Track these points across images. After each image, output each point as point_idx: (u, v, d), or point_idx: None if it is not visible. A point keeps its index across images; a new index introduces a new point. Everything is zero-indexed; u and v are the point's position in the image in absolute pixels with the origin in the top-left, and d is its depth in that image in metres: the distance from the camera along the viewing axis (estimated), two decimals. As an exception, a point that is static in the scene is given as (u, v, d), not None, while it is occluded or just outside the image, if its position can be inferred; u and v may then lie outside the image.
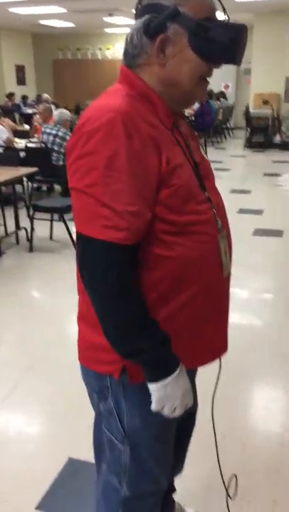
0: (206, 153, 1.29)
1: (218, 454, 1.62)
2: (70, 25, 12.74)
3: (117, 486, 1.28)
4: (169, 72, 1.06)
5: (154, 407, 1.09)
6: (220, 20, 1.05)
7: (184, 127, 1.17)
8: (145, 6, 1.06)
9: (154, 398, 1.08)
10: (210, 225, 1.12)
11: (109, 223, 0.98)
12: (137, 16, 1.07)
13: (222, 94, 12.53)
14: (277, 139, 10.77)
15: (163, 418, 1.13)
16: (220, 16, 1.09)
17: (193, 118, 11.14)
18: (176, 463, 1.58)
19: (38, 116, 7.36)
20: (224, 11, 1.10)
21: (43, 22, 12.30)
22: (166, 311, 1.10)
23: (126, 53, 1.10)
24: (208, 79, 1.11)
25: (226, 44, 1.02)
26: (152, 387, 1.07)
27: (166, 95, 1.09)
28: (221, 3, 1.10)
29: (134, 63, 1.09)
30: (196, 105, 11.64)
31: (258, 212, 5.81)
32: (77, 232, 1.04)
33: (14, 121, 10.46)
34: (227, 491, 1.63)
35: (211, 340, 1.21)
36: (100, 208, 0.98)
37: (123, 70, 1.12)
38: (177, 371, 1.07)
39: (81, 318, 1.19)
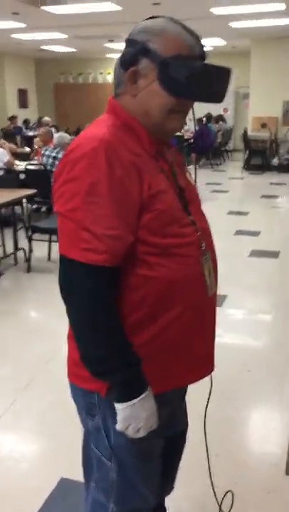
0: (195, 178, 1.35)
1: (210, 473, 1.64)
2: (72, 50, 13.02)
3: (105, 503, 1.29)
4: (140, 103, 1.13)
5: (118, 426, 1.13)
6: (186, 60, 1.09)
7: (169, 154, 1.23)
8: (126, 40, 1.15)
9: (119, 417, 1.12)
10: (193, 247, 1.17)
11: (88, 246, 1.03)
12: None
13: (221, 118, 12.72)
14: (275, 161, 10.91)
15: (149, 435, 1.16)
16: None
17: (192, 141, 11.31)
18: (167, 482, 1.59)
19: (38, 138, 7.47)
20: (202, 51, 1.14)
21: (45, 47, 12.58)
22: (151, 331, 1.14)
23: (113, 84, 1.18)
24: (189, 112, 1.17)
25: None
26: (118, 406, 1.11)
27: (144, 124, 1.15)
28: (200, 43, 1.14)
29: (116, 93, 1.17)
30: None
31: (255, 233, 5.86)
32: (60, 255, 1.09)
33: (16, 143, 10.61)
34: (220, 508, 1.64)
35: (196, 359, 1.24)
36: (81, 232, 1.03)
37: (110, 101, 1.19)
38: (144, 394, 1.10)
39: (70, 336, 1.23)
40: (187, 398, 1.58)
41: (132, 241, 1.08)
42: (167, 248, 1.11)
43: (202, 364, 1.27)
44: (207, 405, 1.50)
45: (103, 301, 1.06)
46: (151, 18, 1.15)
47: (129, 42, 1.13)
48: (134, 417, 1.11)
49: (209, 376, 1.39)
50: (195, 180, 1.37)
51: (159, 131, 1.17)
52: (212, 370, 1.32)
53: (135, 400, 1.09)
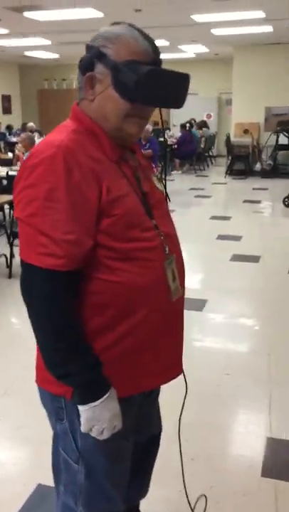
0: (164, 183, 1.37)
1: (183, 476, 1.65)
2: (55, 56, 13.03)
3: (73, 507, 1.29)
4: (97, 107, 1.15)
5: (82, 428, 1.14)
6: (136, 64, 1.10)
7: (132, 159, 1.24)
8: (85, 45, 1.17)
9: (82, 419, 1.13)
10: (156, 251, 1.18)
11: (46, 251, 1.04)
12: None
13: (204, 124, 12.81)
14: (258, 166, 11.02)
15: (115, 437, 1.17)
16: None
17: (175, 146, 11.38)
18: (141, 485, 1.60)
19: (20, 144, 7.46)
20: (155, 57, 1.15)
21: (28, 53, 12.57)
22: (114, 335, 1.14)
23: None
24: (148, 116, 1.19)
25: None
26: (81, 408, 1.12)
27: (105, 129, 1.16)
28: (155, 50, 1.15)
29: (79, 98, 1.19)
30: (179, 134, 11.90)
31: (237, 238, 5.91)
32: (20, 259, 1.10)
33: (-1, 149, 10.57)
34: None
35: (162, 362, 1.24)
36: (39, 236, 1.05)
37: (73, 107, 1.21)
38: (106, 395, 1.11)
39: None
40: (164, 402, 1.59)
41: (91, 245, 1.09)
42: (129, 252, 1.12)
43: (169, 367, 1.28)
44: (182, 409, 1.51)
45: (61, 305, 1.07)
46: (113, 24, 1.17)
47: (87, 47, 1.15)
48: (96, 418, 1.12)
49: (184, 382, 1.41)
50: (165, 187, 1.39)
51: (119, 135, 1.18)
52: (179, 373, 1.33)
53: (97, 402, 1.10)
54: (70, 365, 1.09)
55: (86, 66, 1.14)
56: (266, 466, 2.18)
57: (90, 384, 1.10)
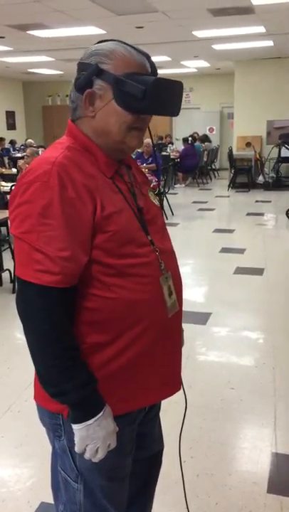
0: (160, 198, 1.36)
1: (185, 493, 1.62)
2: (59, 72, 13.19)
3: (74, 526, 1.28)
4: (99, 122, 1.16)
5: (76, 448, 1.12)
6: (139, 75, 1.12)
7: (127, 175, 1.24)
8: (78, 64, 1.17)
9: (76, 439, 1.11)
10: (151, 267, 1.17)
11: (42, 268, 1.04)
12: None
13: (205, 137, 12.88)
14: (261, 179, 11.04)
15: (114, 456, 1.15)
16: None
17: (178, 160, 11.44)
18: (144, 504, 1.57)
19: (23, 160, 7.51)
20: (151, 67, 1.18)
21: (32, 70, 12.73)
22: (109, 352, 1.14)
23: (70, 108, 1.20)
24: (145, 127, 1.20)
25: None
26: (74, 427, 1.11)
27: (103, 144, 1.17)
28: (149, 59, 1.18)
29: (74, 116, 1.20)
30: (181, 147, 11.97)
31: (240, 251, 5.90)
32: (16, 276, 1.11)
33: (3, 165, 10.65)
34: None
35: (159, 378, 1.23)
36: (34, 253, 1.05)
37: (68, 124, 1.22)
38: (100, 413, 1.10)
39: None
40: (167, 418, 1.57)
41: (86, 262, 1.09)
42: (123, 268, 1.12)
43: (166, 383, 1.27)
44: (182, 424, 1.50)
45: (56, 322, 1.07)
46: (99, 42, 1.18)
47: (82, 65, 1.16)
48: (90, 437, 1.10)
49: (184, 397, 1.40)
50: (161, 202, 1.38)
51: (120, 149, 1.19)
52: (178, 388, 1.31)
53: (91, 420, 1.09)
54: (64, 382, 1.07)
55: (84, 84, 1.14)
56: (272, 482, 2.15)
57: (84, 402, 1.09)
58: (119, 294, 1.12)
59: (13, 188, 6.15)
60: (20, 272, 1.08)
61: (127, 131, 1.15)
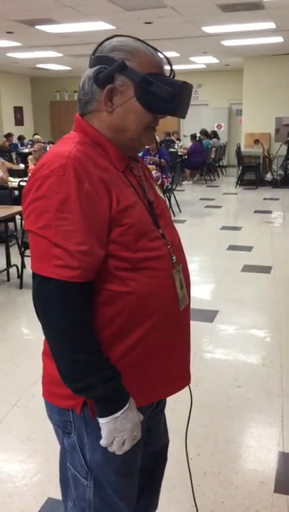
0: (163, 193, 1.37)
1: (193, 491, 1.62)
2: (67, 68, 13.17)
3: (83, 523, 1.28)
4: (116, 119, 1.15)
5: (103, 441, 1.12)
6: (164, 77, 1.13)
7: (136, 169, 1.24)
8: (97, 57, 1.15)
9: (103, 432, 1.11)
10: (164, 260, 1.17)
11: (61, 263, 1.03)
12: (90, 65, 1.16)
13: (214, 134, 12.82)
14: (269, 176, 10.99)
15: (125, 452, 1.15)
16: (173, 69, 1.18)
17: (186, 157, 11.41)
18: (150, 500, 1.57)
19: (31, 156, 7.52)
20: (171, 69, 1.19)
21: (40, 66, 12.72)
22: (123, 346, 1.13)
23: (79, 100, 1.18)
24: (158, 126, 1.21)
25: (165, 98, 1.10)
26: (101, 421, 1.10)
27: (116, 140, 1.17)
28: (168, 61, 1.19)
29: (86, 109, 1.18)
30: (189, 144, 11.93)
31: (248, 248, 5.88)
32: (32, 272, 1.10)
33: (11, 160, 10.67)
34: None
35: (170, 372, 1.23)
36: (52, 248, 1.04)
37: (77, 119, 1.20)
38: (127, 405, 1.10)
39: (45, 352, 1.23)
40: (173, 416, 1.57)
41: (103, 256, 1.08)
42: (138, 262, 1.12)
43: (177, 378, 1.27)
44: (188, 421, 1.49)
45: (77, 316, 1.06)
46: (113, 36, 1.16)
47: (102, 59, 1.13)
48: (118, 429, 1.10)
49: (190, 394, 1.39)
50: (168, 198, 1.39)
51: (132, 146, 1.19)
52: (188, 383, 1.31)
53: (118, 413, 1.09)
54: (91, 377, 1.07)
55: (106, 78, 1.12)
56: (279, 481, 2.15)
57: (111, 395, 1.08)
58: (134, 288, 1.12)
59: (21, 183, 6.18)
60: (39, 268, 1.07)
61: (143, 129, 1.16)
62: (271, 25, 7.62)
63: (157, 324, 1.16)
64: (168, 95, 1.10)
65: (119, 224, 1.09)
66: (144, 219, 1.15)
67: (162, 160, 7.31)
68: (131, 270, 1.12)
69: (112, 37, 1.16)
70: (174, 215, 7.65)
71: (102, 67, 1.12)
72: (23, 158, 10.60)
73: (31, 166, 7.19)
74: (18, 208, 5.10)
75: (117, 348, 1.13)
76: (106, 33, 7.82)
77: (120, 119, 1.14)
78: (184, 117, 1.19)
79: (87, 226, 1.05)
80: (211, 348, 3.43)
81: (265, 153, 11.02)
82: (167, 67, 1.18)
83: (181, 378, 1.29)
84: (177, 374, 1.27)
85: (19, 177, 6.93)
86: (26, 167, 8.00)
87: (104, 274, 1.10)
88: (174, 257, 1.20)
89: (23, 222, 6.14)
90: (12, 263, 4.98)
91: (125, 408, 1.10)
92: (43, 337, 1.13)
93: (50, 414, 1.26)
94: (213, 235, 6.70)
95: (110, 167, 1.14)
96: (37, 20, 7.16)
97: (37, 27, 7.57)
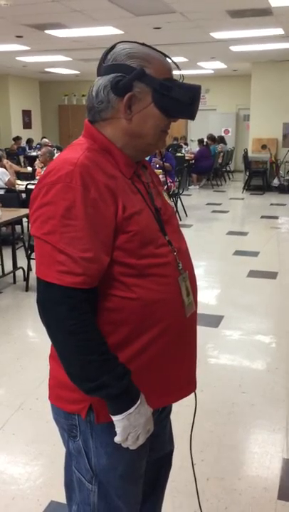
0: (170, 199, 1.37)
1: (198, 497, 1.62)
2: (76, 72, 13.24)
3: (86, 527, 1.28)
4: (135, 126, 1.15)
5: (118, 438, 1.12)
6: (180, 82, 1.16)
7: (145, 176, 1.25)
8: (111, 65, 1.14)
9: (118, 429, 1.12)
10: (170, 267, 1.18)
11: (64, 269, 1.04)
12: (100, 73, 1.16)
13: (220, 139, 12.82)
14: (276, 182, 10.97)
15: (130, 457, 1.15)
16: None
17: (193, 161, 11.42)
18: (154, 506, 1.57)
19: (39, 160, 7.56)
20: (182, 75, 1.22)
21: (49, 70, 12.80)
22: (129, 352, 1.14)
23: (91, 108, 1.18)
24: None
25: (186, 102, 1.13)
26: (115, 418, 1.11)
27: (130, 145, 1.17)
28: (177, 66, 1.22)
29: (99, 117, 1.18)
30: (196, 149, 11.94)
31: (254, 254, 5.87)
32: (36, 277, 1.10)
33: (19, 163, 10.73)
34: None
35: (176, 379, 1.24)
36: (57, 254, 1.05)
37: (86, 125, 1.21)
38: (139, 401, 1.11)
39: (52, 356, 1.23)
40: (178, 421, 1.57)
41: (108, 262, 1.09)
42: (144, 269, 1.13)
43: (183, 384, 1.27)
44: (192, 426, 1.49)
45: (82, 319, 1.07)
46: (115, 45, 1.17)
47: (118, 67, 1.12)
48: (132, 425, 1.11)
49: (194, 400, 1.40)
50: (174, 202, 1.39)
51: (148, 150, 1.21)
52: (194, 389, 1.32)
53: (131, 409, 1.10)
54: (104, 376, 1.07)
55: (126, 87, 1.12)
56: (283, 488, 2.14)
57: (124, 393, 1.09)
58: (140, 294, 1.12)
59: (29, 186, 6.20)
60: (43, 273, 1.08)
61: (160, 134, 1.18)
62: (279, 31, 7.63)
63: (163, 331, 1.16)
64: (189, 99, 1.12)
65: (125, 231, 1.10)
66: (150, 226, 1.16)
67: (167, 164, 7.33)
68: (136, 276, 1.12)
69: (115, 45, 1.16)
70: (181, 220, 7.64)
71: (121, 76, 1.12)
72: (31, 161, 10.65)
73: (38, 170, 7.23)
74: (25, 211, 5.12)
75: (123, 354, 1.13)
76: (115, 37, 7.86)
77: (139, 126, 1.15)
78: (194, 119, 1.20)
79: (92, 233, 1.06)
80: (216, 353, 3.42)
81: (273, 158, 11.01)
82: (174, 72, 1.20)
83: (187, 385, 1.29)
84: (183, 381, 1.27)
85: (26, 180, 6.96)
86: (34, 170, 8.04)
87: (110, 279, 1.11)
88: (180, 264, 1.20)
89: (29, 225, 6.13)
90: (18, 266, 5.00)
91: (138, 403, 1.11)
92: (48, 340, 1.14)
93: (57, 418, 1.27)
94: (219, 239, 6.70)
95: (118, 174, 1.15)
96: (46, 25, 7.21)
97: (46, 31, 7.62)
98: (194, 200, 10.01)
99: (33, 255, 4.76)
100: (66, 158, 1.11)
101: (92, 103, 1.17)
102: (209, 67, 12.16)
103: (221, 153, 12.25)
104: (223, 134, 13.81)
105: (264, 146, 11.14)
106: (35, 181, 6.61)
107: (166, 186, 1.39)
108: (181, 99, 1.12)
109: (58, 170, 1.08)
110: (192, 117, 1.17)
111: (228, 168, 13.27)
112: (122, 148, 1.17)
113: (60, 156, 1.16)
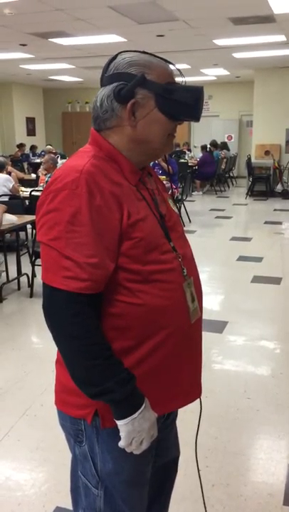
0: (176, 205, 1.39)
1: (204, 504, 1.62)
2: (79, 80, 13.32)
3: (92, 532, 1.28)
4: (140, 132, 1.17)
5: (122, 442, 1.13)
6: (179, 84, 1.17)
7: (150, 183, 1.27)
8: (112, 75, 1.17)
9: (122, 434, 1.12)
10: (175, 273, 1.19)
11: (70, 274, 1.06)
12: (103, 84, 1.19)
13: (223, 145, 12.85)
14: (279, 187, 10.98)
15: (135, 462, 1.16)
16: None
17: (196, 168, 11.44)
18: (160, 511, 1.57)
19: (42, 166, 7.60)
20: (181, 75, 1.24)
21: (52, 77, 12.88)
22: (134, 358, 1.15)
23: (96, 118, 1.20)
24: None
25: (190, 104, 1.14)
26: (120, 423, 1.12)
27: (137, 151, 1.19)
28: (180, 72, 1.24)
29: (104, 126, 1.19)
30: (199, 155, 11.97)
31: (258, 259, 5.87)
32: (42, 283, 1.12)
33: (22, 170, 10.78)
34: None
35: (181, 385, 1.24)
36: (62, 260, 1.06)
37: (92, 133, 1.23)
38: (143, 405, 1.12)
39: (58, 361, 1.24)
40: (183, 427, 1.57)
41: (113, 268, 1.10)
42: (149, 275, 1.14)
43: (188, 390, 1.28)
44: (197, 432, 1.49)
45: (90, 324, 1.08)
46: (117, 55, 1.19)
47: (120, 75, 1.15)
48: (136, 430, 1.12)
49: (200, 406, 1.40)
50: (180, 209, 1.40)
51: (155, 155, 1.23)
52: (199, 395, 1.32)
53: (136, 414, 1.11)
54: (108, 381, 1.08)
55: (127, 94, 1.14)
56: (288, 494, 2.13)
57: (129, 397, 1.10)
58: (145, 300, 1.13)
59: (33, 192, 6.23)
60: (48, 279, 1.09)
61: (166, 138, 1.19)
62: (282, 38, 7.67)
63: (168, 337, 1.17)
64: (192, 100, 1.14)
65: (130, 237, 1.11)
66: (155, 232, 1.17)
67: (169, 167, 7.34)
68: (141, 282, 1.13)
69: (117, 55, 1.18)
70: (184, 226, 7.64)
71: (122, 84, 1.14)
72: (35, 168, 10.70)
73: (42, 177, 7.26)
74: (29, 218, 5.14)
75: (128, 359, 1.14)
76: (118, 45, 7.92)
77: (144, 132, 1.17)
78: (199, 120, 1.21)
79: (97, 239, 1.07)
80: (220, 359, 3.42)
81: (276, 164, 11.03)
82: (177, 79, 1.22)
83: (192, 391, 1.29)
84: (188, 387, 1.28)
85: (30, 187, 7.00)
86: (38, 177, 8.08)
87: (115, 285, 1.12)
88: (184, 270, 1.22)
89: (34, 231, 6.20)
90: (23, 272, 5.02)
91: (142, 408, 1.12)
92: (53, 346, 1.15)
93: (62, 423, 1.28)
94: (223, 245, 6.71)
95: (123, 181, 1.16)
96: (50, 33, 7.27)
97: (50, 39, 7.68)
98: (198, 206, 10.02)
99: (37, 261, 4.78)
100: (72, 165, 1.13)
101: (97, 113, 1.19)
102: (212, 73, 12.21)
103: (224, 159, 12.27)
104: (226, 140, 13.85)
105: (267, 152, 11.16)
106: (40, 188, 6.64)
107: (170, 191, 1.40)
108: (184, 101, 1.14)
109: (64, 177, 1.10)
110: (197, 119, 1.18)
111: (231, 174, 13.29)
112: (128, 155, 1.19)
113: (66, 163, 1.18)
